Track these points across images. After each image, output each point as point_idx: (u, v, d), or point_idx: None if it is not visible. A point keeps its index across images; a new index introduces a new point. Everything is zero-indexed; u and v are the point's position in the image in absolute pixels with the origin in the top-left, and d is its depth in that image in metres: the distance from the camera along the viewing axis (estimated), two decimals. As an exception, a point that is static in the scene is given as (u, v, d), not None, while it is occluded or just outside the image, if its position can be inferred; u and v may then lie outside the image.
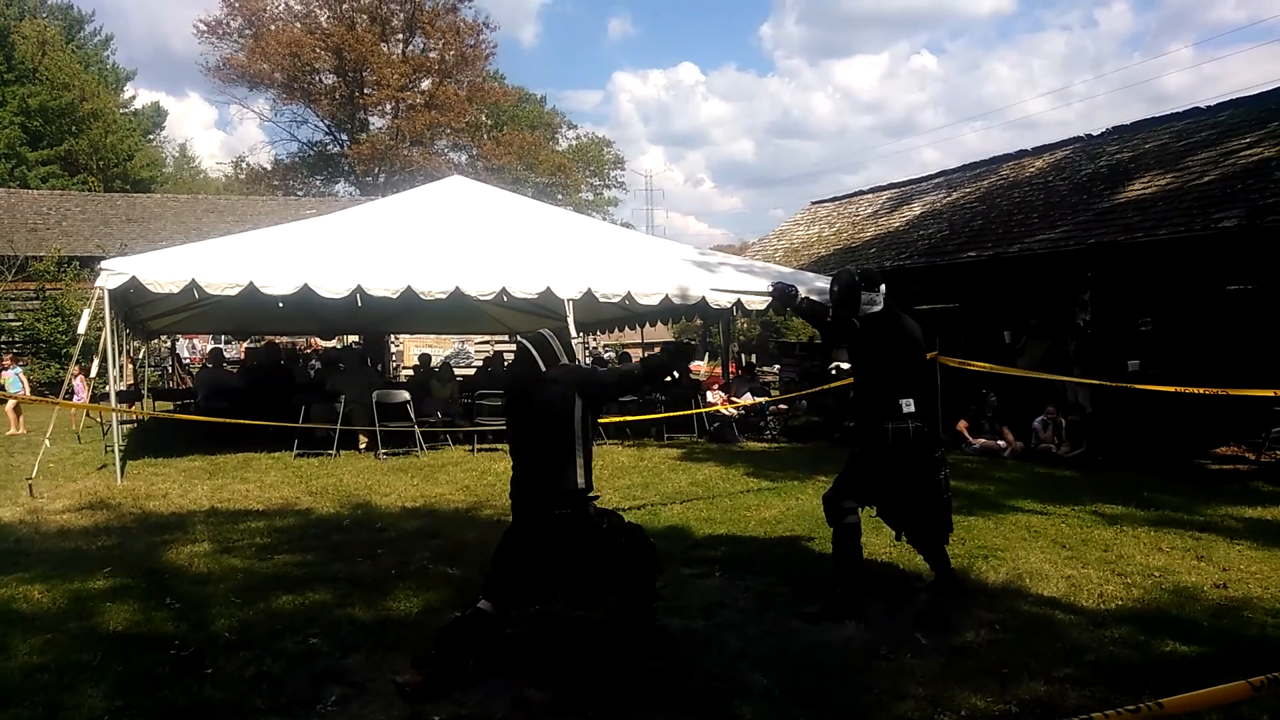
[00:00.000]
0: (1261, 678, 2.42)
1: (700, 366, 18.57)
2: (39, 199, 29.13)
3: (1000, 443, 11.07)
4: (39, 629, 4.49)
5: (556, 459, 3.97)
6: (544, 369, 4.12)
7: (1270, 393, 7.41)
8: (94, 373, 11.11)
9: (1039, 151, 16.18)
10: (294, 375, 14.60)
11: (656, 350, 4.34)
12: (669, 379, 4.06)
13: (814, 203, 22.37)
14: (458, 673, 3.82)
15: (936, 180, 18.34)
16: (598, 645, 4.28)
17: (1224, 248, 10.38)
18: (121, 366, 13.19)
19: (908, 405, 4.69)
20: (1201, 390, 7.61)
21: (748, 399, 13.23)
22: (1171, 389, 7.84)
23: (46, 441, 9.42)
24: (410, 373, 18.03)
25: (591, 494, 4.05)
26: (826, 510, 4.83)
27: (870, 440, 4.78)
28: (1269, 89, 12.76)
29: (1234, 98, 13.33)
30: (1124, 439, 9.97)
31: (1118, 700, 3.57)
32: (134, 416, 13.69)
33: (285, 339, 25.12)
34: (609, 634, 4.27)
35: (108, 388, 10.76)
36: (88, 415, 14.46)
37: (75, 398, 13.32)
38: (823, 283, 12.81)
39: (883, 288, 4.85)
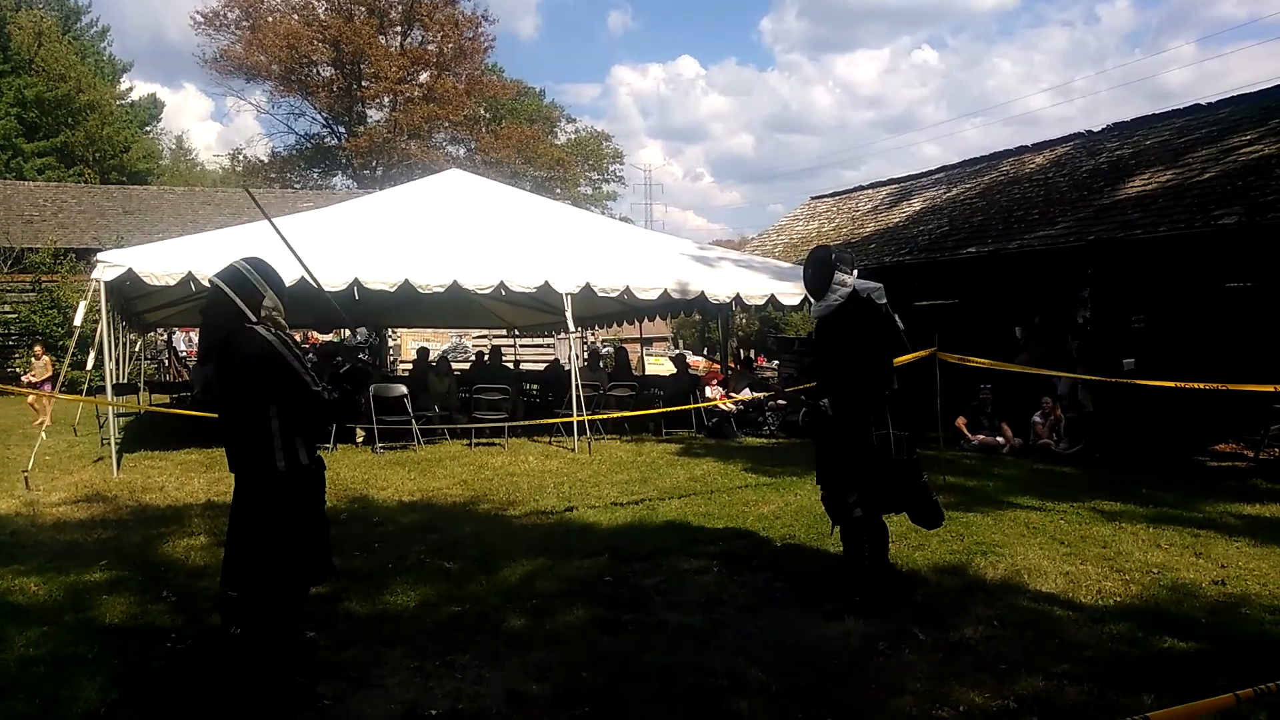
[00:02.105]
0: (1249, 690, 2.50)
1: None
2: (35, 191, 29.04)
3: (999, 439, 11.07)
4: (35, 621, 4.48)
5: (250, 432, 3.41)
6: (251, 317, 3.46)
7: (1269, 388, 7.41)
8: (90, 365, 11.08)
9: (1039, 147, 16.17)
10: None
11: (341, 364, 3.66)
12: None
13: (814, 198, 22.36)
14: None
15: (937, 176, 18.33)
16: (587, 642, 4.28)
17: (1224, 245, 10.37)
18: (119, 360, 13.16)
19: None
20: (1201, 385, 7.61)
21: (746, 394, 13.22)
22: (1172, 384, 7.84)
23: (42, 434, 9.39)
24: (408, 366, 17.99)
25: (293, 474, 3.45)
26: (830, 509, 4.74)
27: (853, 425, 4.62)
28: (1270, 86, 12.75)
29: (1235, 95, 13.33)
30: (1123, 436, 9.97)
31: (1115, 697, 3.57)
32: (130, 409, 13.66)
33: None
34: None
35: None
36: None
37: None
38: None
39: (855, 272, 4.76)
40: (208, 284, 3.55)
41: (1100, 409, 10.65)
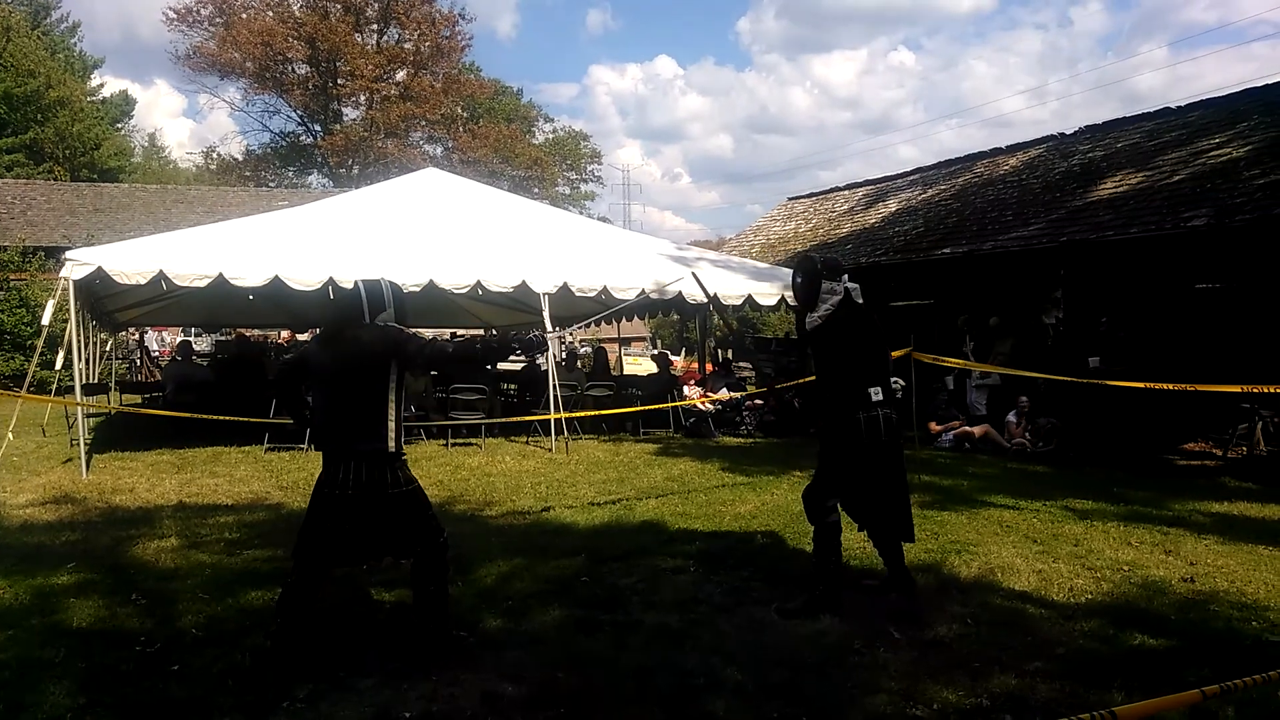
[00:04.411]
0: (1215, 686, 2.55)
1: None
2: (3, 188, 28.52)
3: (957, 421, 11.36)
4: (1, 625, 4.40)
5: (367, 416, 3.84)
6: (367, 319, 3.95)
7: (1236, 388, 7.53)
8: (59, 364, 10.89)
9: (1013, 150, 16.34)
10: (265, 368, 14.41)
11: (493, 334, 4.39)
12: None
13: (791, 198, 22.47)
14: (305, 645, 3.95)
15: (912, 177, 18.47)
16: (565, 641, 4.26)
17: (1193, 246, 10.52)
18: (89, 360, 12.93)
19: (876, 394, 4.70)
20: (1170, 386, 7.72)
21: (724, 394, 13.24)
22: (1141, 385, 7.94)
23: (9, 435, 9.23)
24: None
25: (402, 456, 3.96)
26: (808, 508, 4.81)
27: (843, 431, 4.74)
28: (1238, 90, 12.98)
29: (1204, 98, 13.56)
30: (1095, 435, 10.09)
31: (1087, 693, 3.60)
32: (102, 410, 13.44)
33: (256, 332, 24.82)
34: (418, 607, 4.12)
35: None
36: None
37: None
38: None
39: (844, 277, 4.83)
40: (351, 284, 4.14)
41: (1047, 407, 10.81)
